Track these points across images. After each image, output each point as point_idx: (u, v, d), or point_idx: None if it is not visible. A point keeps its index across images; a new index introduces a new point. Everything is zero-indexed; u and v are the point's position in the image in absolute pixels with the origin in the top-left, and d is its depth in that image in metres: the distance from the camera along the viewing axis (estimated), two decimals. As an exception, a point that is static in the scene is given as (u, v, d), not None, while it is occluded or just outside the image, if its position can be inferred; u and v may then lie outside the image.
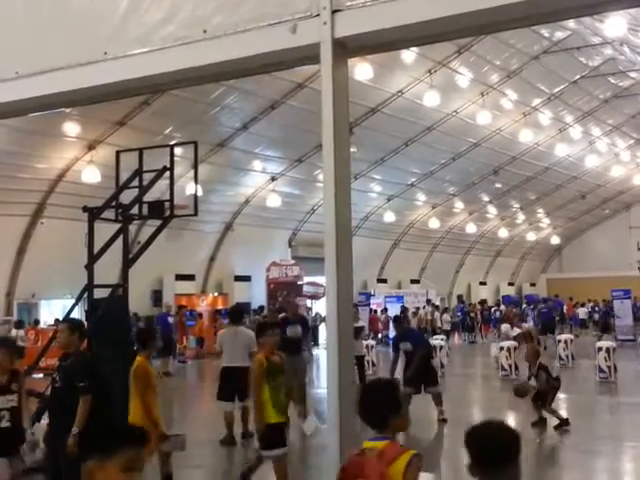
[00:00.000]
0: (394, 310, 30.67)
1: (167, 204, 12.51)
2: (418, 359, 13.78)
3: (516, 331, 22.55)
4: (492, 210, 42.61)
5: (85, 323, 8.75)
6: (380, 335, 32.67)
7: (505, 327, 25.92)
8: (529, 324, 39.68)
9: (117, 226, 12.39)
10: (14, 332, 22.22)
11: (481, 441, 3.20)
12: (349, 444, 3.61)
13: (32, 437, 7.47)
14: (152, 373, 8.45)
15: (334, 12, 3.52)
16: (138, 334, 9.49)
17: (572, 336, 24.34)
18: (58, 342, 7.65)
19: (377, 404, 3.78)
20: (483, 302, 41.89)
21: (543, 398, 12.89)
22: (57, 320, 22.89)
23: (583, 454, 11.50)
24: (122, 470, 2.72)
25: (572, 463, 11.29)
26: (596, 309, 39.73)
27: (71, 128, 21.72)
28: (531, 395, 12.80)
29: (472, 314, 37.66)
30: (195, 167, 13.75)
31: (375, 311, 34.45)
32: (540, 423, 12.79)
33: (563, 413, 13.44)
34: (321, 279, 28.40)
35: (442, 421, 13.52)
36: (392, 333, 32.67)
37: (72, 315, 13.09)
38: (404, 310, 30.27)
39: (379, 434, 3.72)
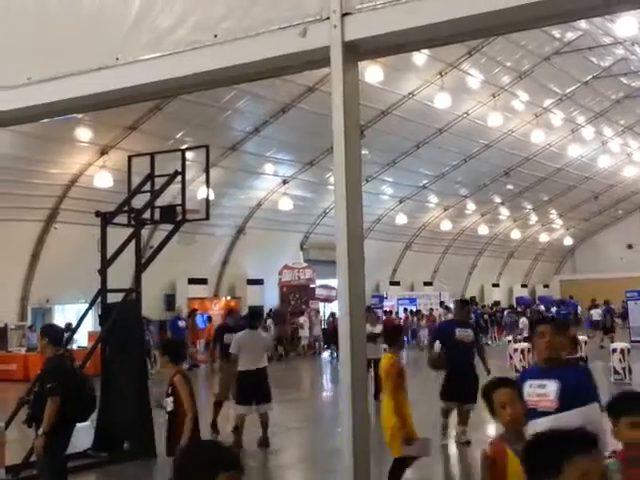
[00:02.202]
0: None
1: (179, 208, 12.55)
2: (481, 351, 11.98)
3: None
4: (504, 211, 42.49)
5: (56, 328, 8.80)
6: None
7: (524, 322, 25.87)
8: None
9: (130, 231, 12.43)
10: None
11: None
12: (363, 446, 3.60)
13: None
14: (404, 371, 8.24)
15: (344, 15, 3.52)
16: (385, 331, 9.03)
17: (586, 338, 24.20)
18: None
19: None
20: (496, 304, 41.75)
21: None
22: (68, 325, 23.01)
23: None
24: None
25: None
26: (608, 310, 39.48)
27: (83, 133, 21.84)
28: None
29: (485, 316, 37.51)
30: (207, 171, 13.77)
31: (390, 312, 34.32)
32: None
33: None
34: (333, 282, 28.40)
35: (465, 444, 11.43)
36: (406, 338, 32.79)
37: (85, 320, 13.17)
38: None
39: None
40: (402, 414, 7.81)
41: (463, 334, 11.70)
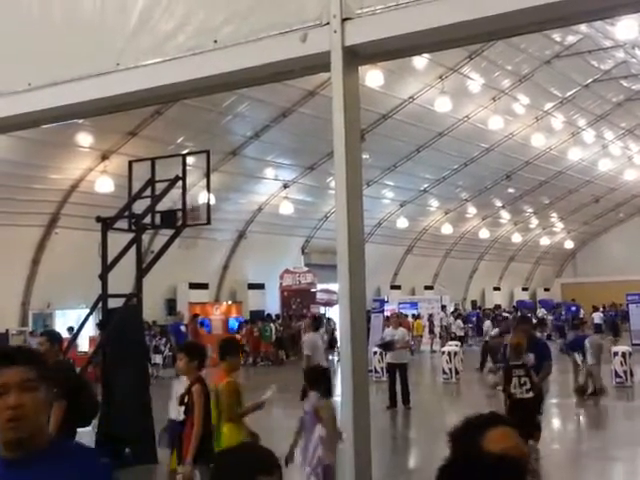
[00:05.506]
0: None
1: (180, 213, 12.56)
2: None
3: (496, 331, 22.58)
4: (505, 215, 42.51)
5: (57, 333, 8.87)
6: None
7: (487, 325, 25.93)
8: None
9: (130, 236, 12.44)
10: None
11: None
12: (364, 447, 3.60)
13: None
14: None
15: (344, 20, 3.52)
16: None
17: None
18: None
19: None
20: (497, 307, 41.75)
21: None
22: (70, 328, 22.98)
23: (601, 460, 11.40)
24: None
25: (590, 469, 11.20)
26: (610, 313, 39.54)
27: (84, 139, 21.87)
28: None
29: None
30: (207, 176, 13.79)
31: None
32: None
33: (581, 419, 13.31)
34: (335, 286, 28.40)
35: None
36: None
37: (86, 325, 13.17)
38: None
39: None
40: None
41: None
